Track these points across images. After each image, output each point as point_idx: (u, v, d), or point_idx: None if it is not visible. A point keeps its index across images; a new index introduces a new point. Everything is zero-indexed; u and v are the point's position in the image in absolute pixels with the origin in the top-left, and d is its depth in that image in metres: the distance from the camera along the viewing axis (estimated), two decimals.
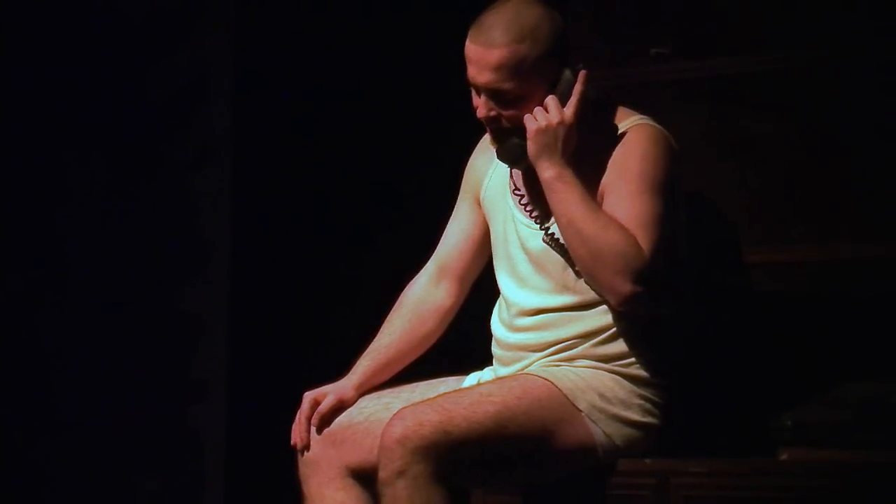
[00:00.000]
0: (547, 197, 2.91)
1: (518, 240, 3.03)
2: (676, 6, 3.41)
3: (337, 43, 4.26)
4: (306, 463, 3.03)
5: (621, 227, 2.85)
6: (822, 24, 3.27)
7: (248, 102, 4.18)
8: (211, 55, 4.18)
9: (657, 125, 2.99)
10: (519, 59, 2.88)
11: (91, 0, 4.28)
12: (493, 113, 2.94)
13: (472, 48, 2.91)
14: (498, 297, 3.10)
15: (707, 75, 3.36)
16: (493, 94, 2.92)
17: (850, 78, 3.25)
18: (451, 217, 3.19)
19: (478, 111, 2.95)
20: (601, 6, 3.46)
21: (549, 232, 2.96)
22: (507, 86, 2.90)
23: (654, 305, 2.90)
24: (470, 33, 2.91)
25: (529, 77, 2.89)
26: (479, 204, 3.14)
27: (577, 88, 2.91)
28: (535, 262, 3.00)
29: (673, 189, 2.93)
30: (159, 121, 4.24)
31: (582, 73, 2.92)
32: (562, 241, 2.93)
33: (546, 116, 2.90)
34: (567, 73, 2.92)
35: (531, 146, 2.91)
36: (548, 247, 2.97)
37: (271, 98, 4.21)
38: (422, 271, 3.19)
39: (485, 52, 2.88)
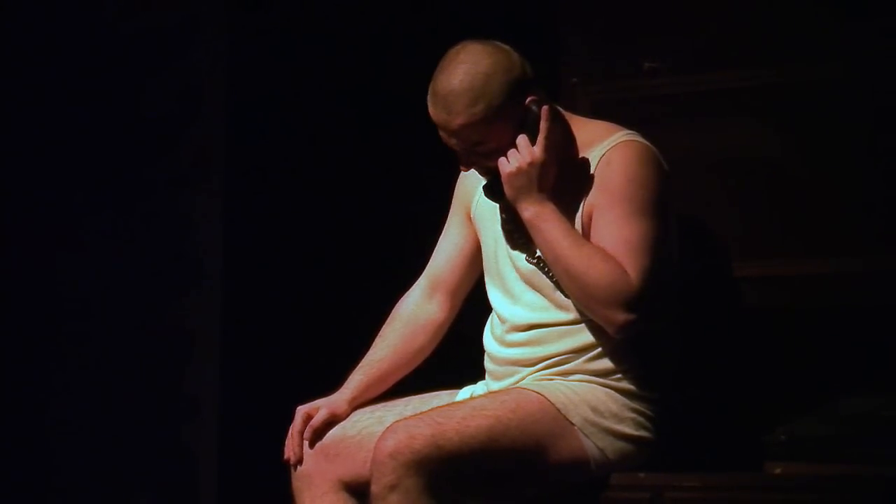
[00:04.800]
0: (531, 235, 2.92)
1: (508, 259, 3.03)
2: (669, 21, 3.42)
3: (333, 61, 4.28)
4: (299, 477, 3.02)
5: (607, 258, 2.85)
6: (813, 41, 3.28)
7: (241, 119, 4.18)
8: (204, 70, 4.18)
9: (643, 140, 2.98)
10: (478, 120, 2.88)
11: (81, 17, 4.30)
12: (473, 166, 2.97)
13: (433, 113, 2.91)
14: (490, 310, 3.10)
15: (699, 90, 3.36)
16: (466, 151, 2.94)
17: (840, 94, 3.26)
18: (443, 232, 3.19)
19: (460, 166, 2.99)
20: (594, 20, 3.47)
21: (536, 256, 2.97)
22: (475, 145, 2.91)
23: (648, 327, 2.90)
24: (428, 99, 2.92)
25: (494, 128, 2.89)
26: (469, 219, 3.14)
27: (543, 126, 2.91)
28: (527, 280, 3.00)
29: (661, 206, 2.92)
30: (152, 136, 4.24)
31: (544, 110, 2.91)
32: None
33: (517, 158, 2.90)
34: (533, 110, 2.91)
35: (507, 190, 2.92)
36: None
37: (264, 115, 4.22)
38: (414, 286, 3.18)
39: (446, 120, 2.89)
